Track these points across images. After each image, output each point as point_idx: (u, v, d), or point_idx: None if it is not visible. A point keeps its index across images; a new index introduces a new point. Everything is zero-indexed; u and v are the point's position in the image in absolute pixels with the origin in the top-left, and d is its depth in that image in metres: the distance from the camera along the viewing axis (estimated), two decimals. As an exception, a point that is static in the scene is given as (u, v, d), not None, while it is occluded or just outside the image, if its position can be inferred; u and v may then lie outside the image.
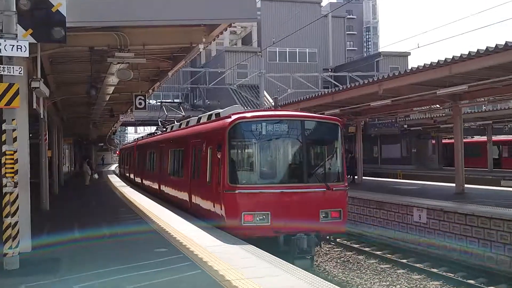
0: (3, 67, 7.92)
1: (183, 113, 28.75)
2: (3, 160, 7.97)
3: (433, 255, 13.84)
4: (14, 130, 8.03)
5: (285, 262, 7.73)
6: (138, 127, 68.12)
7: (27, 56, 7.96)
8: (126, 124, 54.68)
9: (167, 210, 14.02)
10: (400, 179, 30.42)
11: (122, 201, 18.00)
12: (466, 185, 18.37)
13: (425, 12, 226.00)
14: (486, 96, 17.16)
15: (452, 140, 27.63)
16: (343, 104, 20.75)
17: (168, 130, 20.66)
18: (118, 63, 12.15)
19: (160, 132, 23.85)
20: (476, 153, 33.49)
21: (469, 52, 12.57)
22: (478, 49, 12.36)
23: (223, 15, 9.42)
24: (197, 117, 16.01)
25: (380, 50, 58.03)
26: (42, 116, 13.15)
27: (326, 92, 19.49)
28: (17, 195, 8.01)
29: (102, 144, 62.84)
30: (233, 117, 10.90)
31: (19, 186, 8.10)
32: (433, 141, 35.25)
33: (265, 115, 11.08)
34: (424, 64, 14.00)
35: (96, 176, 30.42)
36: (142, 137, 36.41)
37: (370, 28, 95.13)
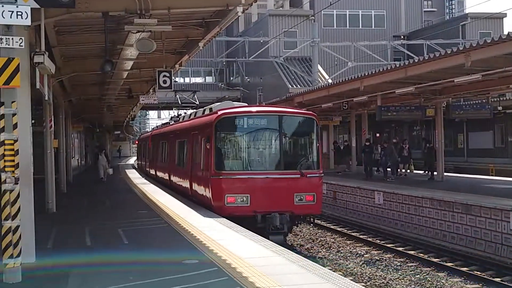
0: (1, 38, 7.94)
1: (197, 102, 29.32)
2: (1, 152, 8.06)
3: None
4: (14, 114, 8.09)
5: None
6: (162, 111, 68.81)
7: (29, 24, 8.01)
8: (147, 107, 55.38)
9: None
10: (492, 175, 29.70)
11: (143, 202, 18.28)
12: None
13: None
14: None
15: None
16: (419, 80, 20.37)
17: (180, 120, 25.22)
18: (138, 31, 12.22)
19: (173, 122, 27.98)
20: None
21: None
22: None
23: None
24: (202, 109, 20.35)
25: (467, 11, 56.47)
26: (46, 98, 13.50)
27: (397, 65, 19.16)
28: (18, 193, 8.13)
29: (118, 132, 64.10)
30: (219, 112, 15.66)
31: (20, 183, 8.21)
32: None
33: (247, 110, 15.73)
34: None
35: (110, 171, 31.08)
36: (157, 126, 37.58)
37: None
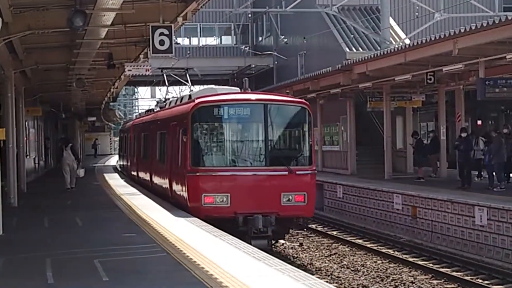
0: None
1: (189, 84, 29.88)
2: None
3: None
4: None
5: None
6: (157, 88, 69.00)
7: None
8: (136, 82, 55.76)
9: None
10: None
11: (131, 221, 18.38)
12: None
13: None
14: None
15: None
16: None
17: (166, 107, 27.95)
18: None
19: (158, 109, 30.78)
20: None
21: None
22: None
23: None
24: (186, 95, 23.97)
25: None
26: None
27: (510, 18, 18.92)
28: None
29: (93, 119, 64.60)
30: (196, 101, 18.93)
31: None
32: None
33: (227, 98, 18.94)
34: None
35: (81, 172, 31.24)
36: (144, 112, 39.23)
37: None
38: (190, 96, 22.44)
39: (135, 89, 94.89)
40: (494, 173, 25.49)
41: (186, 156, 19.10)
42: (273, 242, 19.85)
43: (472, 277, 18.51)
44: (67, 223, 18.48)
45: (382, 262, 20.76)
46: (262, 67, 54.12)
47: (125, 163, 42.26)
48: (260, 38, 57.14)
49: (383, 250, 22.44)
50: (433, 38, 23.27)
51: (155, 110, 32.18)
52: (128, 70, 24.33)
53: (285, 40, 48.29)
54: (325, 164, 38.08)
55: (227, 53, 57.55)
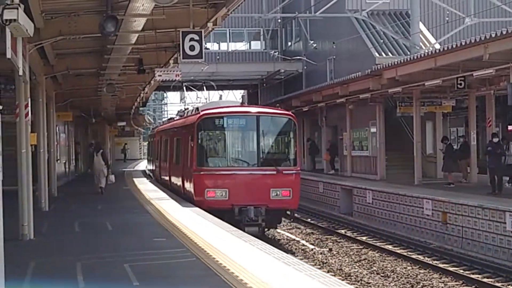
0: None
1: (204, 95, 33.81)
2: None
3: None
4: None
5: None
6: (187, 93, 69.29)
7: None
8: (166, 87, 55.97)
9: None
10: None
11: (160, 226, 18.43)
12: None
13: None
14: None
15: None
16: None
17: (185, 115, 32.67)
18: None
19: (178, 117, 36.28)
20: None
21: None
22: None
23: None
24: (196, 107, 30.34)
25: None
26: (21, 73, 13.71)
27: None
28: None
29: (123, 124, 64.94)
30: (202, 113, 24.41)
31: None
32: None
33: (227, 111, 24.20)
34: None
35: (112, 177, 31.43)
36: (169, 119, 41.49)
37: None
38: (197, 108, 28.25)
39: (164, 94, 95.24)
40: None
41: (193, 158, 24.05)
42: (266, 230, 24.71)
43: (503, 284, 18.35)
44: (97, 228, 18.60)
45: (412, 268, 20.62)
46: (291, 72, 54.04)
47: (152, 167, 44.95)
48: (290, 43, 57.09)
49: (413, 256, 22.31)
50: (463, 43, 23.14)
51: (175, 119, 37.19)
52: (158, 76, 24.43)
53: (315, 45, 48.25)
54: (354, 169, 37.94)
55: (256, 58, 57.54)
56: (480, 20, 38.73)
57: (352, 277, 19.40)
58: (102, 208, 24.01)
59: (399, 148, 36.31)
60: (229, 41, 58.04)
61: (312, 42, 48.68)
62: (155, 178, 41.45)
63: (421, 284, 18.53)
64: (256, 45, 59.11)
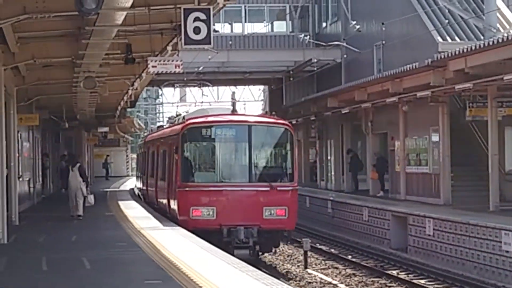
0: None
1: (200, 99, 36.19)
2: None
3: None
4: None
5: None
6: (189, 88, 69.14)
7: None
8: (162, 81, 56.12)
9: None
10: None
11: (154, 263, 18.44)
12: None
13: None
14: None
15: None
16: None
17: (174, 123, 36.04)
18: None
19: (167, 125, 39.68)
20: None
21: None
22: None
23: None
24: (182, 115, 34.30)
25: None
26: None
27: None
28: None
29: (105, 129, 65.10)
30: (187, 122, 27.41)
31: None
32: None
33: (214, 120, 27.17)
34: None
35: (91, 198, 31.61)
36: (157, 127, 44.10)
37: None
38: (183, 117, 31.82)
39: (160, 91, 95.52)
40: None
41: (177, 173, 27.48)
42: (260, 254, 27.98)
43: None
44: (71, 266, 18.55)
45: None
46: (327, 62, 54.03)
47: (141, 185, 47.51)
48: (324, 24, 57.18)
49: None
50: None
51: (164, 127, 40.65)
52: (152, 67, 24.37)
53: (358, 27, 48.25)
54: (409, 191, 37.83)
55: (281, 43, 57.68)
56: None
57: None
58: (78, 240, 24.03)
59: (469, 162, 36.24)
60: (245, 21, 58.20)
61: (354, 23, 48.68)
62: (144, 199, 43.35)
63: None
64: (281, 27, 59.32)
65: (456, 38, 38.97)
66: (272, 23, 58.92)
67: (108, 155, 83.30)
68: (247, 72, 58.36)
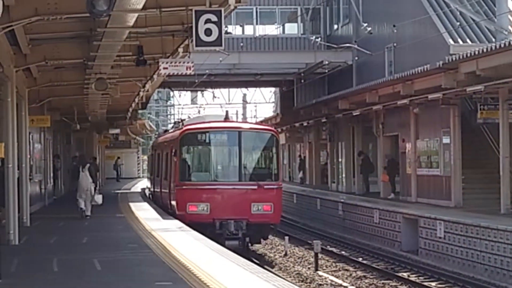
0: None
1: (199, 104, 38.66)
2: None
3: None
4: None
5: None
6: (200, 92, 69.26)
7: None
8: (173, 83, 56.22)
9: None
10: None
11: (165, 265, 18.43)
12: None
13: None
14: None
15: None
16: None
17: (179, 127, 39.95)
18: None
19: (173, 130, 42.90)
20: None
21: None
22: None
23: None
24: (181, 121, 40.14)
25: None
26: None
27: None
28: None
29: (116, 131, 65.14)
30: (184, 128, 33.74)
31: None
32: None
33: (209, 126, 32.71)
34: None
35: (99, 198, 31.65)
36: (163, 131, 47.57)
37: None
38: (183, 123, 37.06)
39: (171, 93, 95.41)
40: None
41: (176, 173, 32.16)
42: (250, 245, 31.91)
43: None
44: (82, 267, 18.58)
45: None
46: (338, 64, 53.99)
47: (152, 187, 48.89)
48: (336, 27, 57.13)
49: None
50: None
51: (169, 131, 44.48)
52: (164, 68, 24.38)
53: (369, 29, 48.16)
54: (420, 193, 37.78)
55: (292, 45, 57.62)
56: None
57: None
58: (89, 242, 24.05)
59: (480, 165, 36.17)
60: (257, 24, 58.20)
61: (365, 25, 48.60)
62: (153, 198, 46.20)
63: None
64: (292, 29, 59.26)
65: (468, 40, 38.91)
66: (283, 25, 58.87)
67: (118, 157, 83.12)
68: (258, 74, 58.36)
